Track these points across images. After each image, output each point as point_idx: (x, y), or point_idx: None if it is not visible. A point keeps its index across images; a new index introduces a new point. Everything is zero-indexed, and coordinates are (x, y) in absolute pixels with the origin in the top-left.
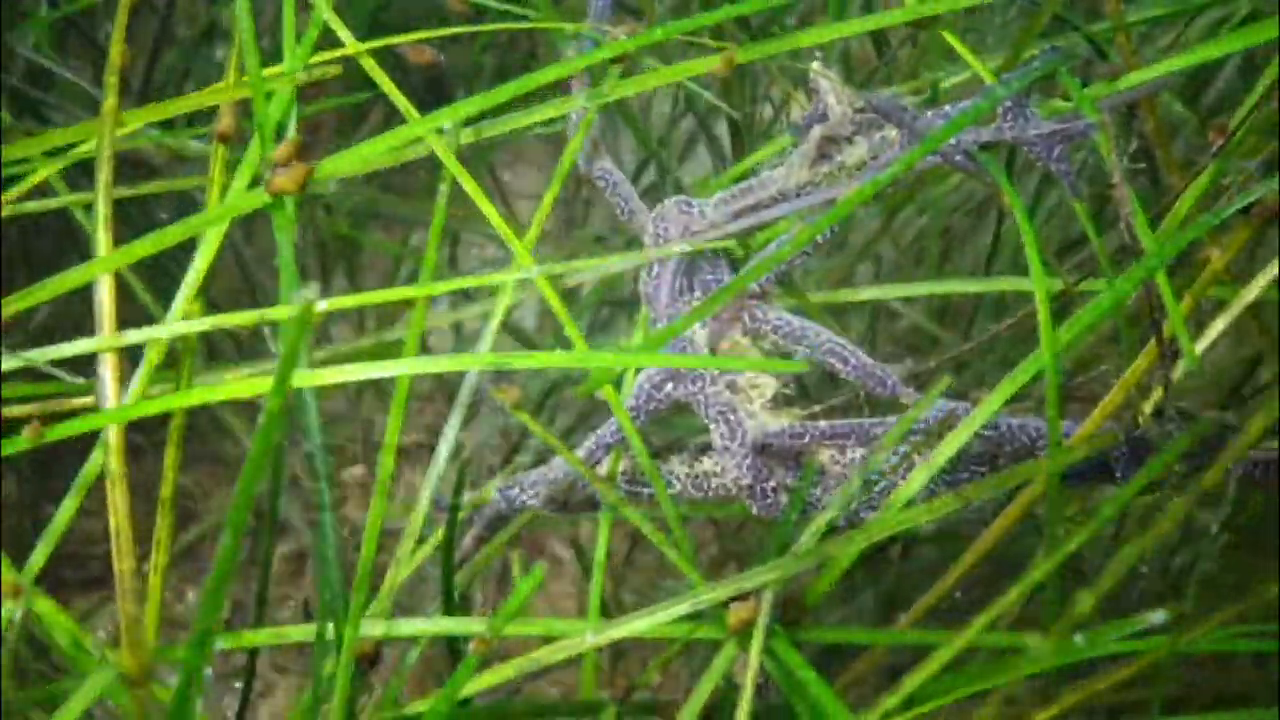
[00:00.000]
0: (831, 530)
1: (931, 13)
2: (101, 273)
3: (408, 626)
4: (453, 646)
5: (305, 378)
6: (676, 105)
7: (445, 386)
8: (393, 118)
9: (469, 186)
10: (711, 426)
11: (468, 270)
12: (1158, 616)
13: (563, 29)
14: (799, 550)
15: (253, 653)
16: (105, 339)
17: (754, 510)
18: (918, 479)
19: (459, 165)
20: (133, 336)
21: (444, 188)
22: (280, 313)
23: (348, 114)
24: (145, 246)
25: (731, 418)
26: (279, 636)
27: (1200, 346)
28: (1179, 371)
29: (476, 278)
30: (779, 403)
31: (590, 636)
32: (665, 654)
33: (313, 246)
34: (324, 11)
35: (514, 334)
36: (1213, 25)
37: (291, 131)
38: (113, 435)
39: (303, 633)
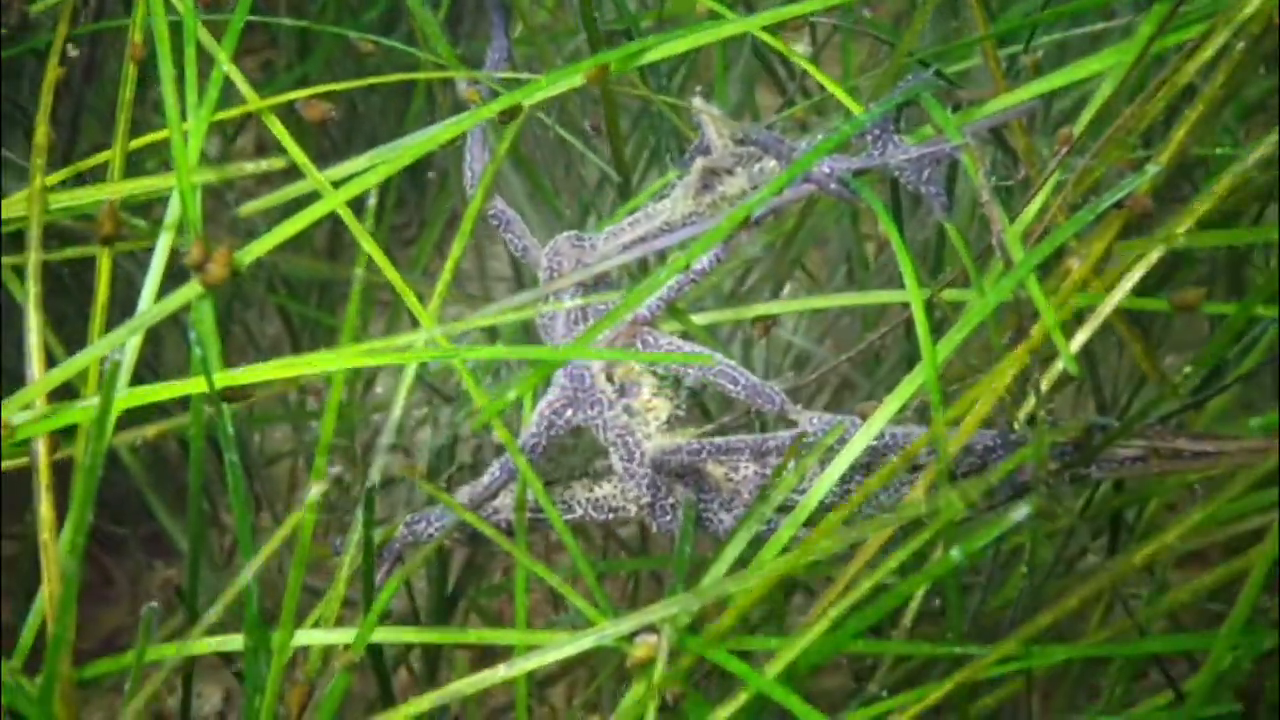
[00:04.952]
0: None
1: (802, 12)
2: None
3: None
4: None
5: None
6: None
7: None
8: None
9: (378, 258)
10: (611, 450)
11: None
12: (1020, 512)
13: (462, 76)
14: (701, 588)
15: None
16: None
17: (654, 527)
18: (815, 494)
19: (370, 239)
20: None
21: (359, 271)
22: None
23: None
24: (80, 364)
25: (630, 440)
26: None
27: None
28: (1056, 374)
29: (383, 342)
30: (674, 423)
31: (503, 669)
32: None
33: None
34: (224, 64)
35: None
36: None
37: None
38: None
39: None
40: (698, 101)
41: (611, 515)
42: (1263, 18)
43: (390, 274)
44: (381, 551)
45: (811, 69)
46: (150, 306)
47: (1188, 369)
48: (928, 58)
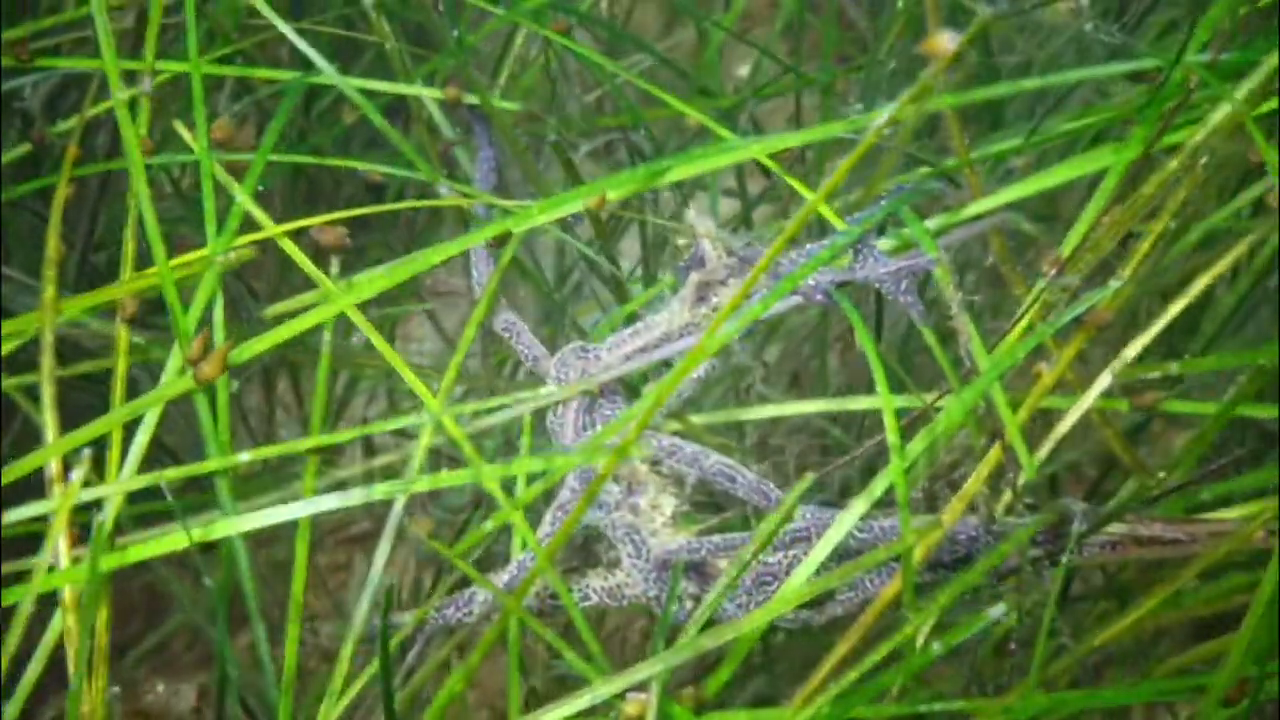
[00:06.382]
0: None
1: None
2: (52, 457)
3: None
4: None
5: (227, 526)
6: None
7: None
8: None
9: (383, 349)
10: (619, 546)
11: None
12: (998, 611)
13: (454, 204)
14: (680, 644)
15: None
16: (58, 500)
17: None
18: (800, 575)
19: (375, 332)
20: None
21: (328, 336)
22: (211, 465)
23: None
24: (89, 433)
25: (636, 538)
26: None
27: (1043, 452)
28: (1022, 478)
29: (389, 422)
30: (678, 519)
31: None
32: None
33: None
34: (245, 201)
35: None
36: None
37: (219, 311)
38: (68, 595)
39: None
40: (692, 215)
41: (625, 602)
42: (1224, 132)
43: (403, 370)
44: (414, 634)
45: (800, 188)
46: (163, 387)
47: (1161, 473)
48: (925, 160)
